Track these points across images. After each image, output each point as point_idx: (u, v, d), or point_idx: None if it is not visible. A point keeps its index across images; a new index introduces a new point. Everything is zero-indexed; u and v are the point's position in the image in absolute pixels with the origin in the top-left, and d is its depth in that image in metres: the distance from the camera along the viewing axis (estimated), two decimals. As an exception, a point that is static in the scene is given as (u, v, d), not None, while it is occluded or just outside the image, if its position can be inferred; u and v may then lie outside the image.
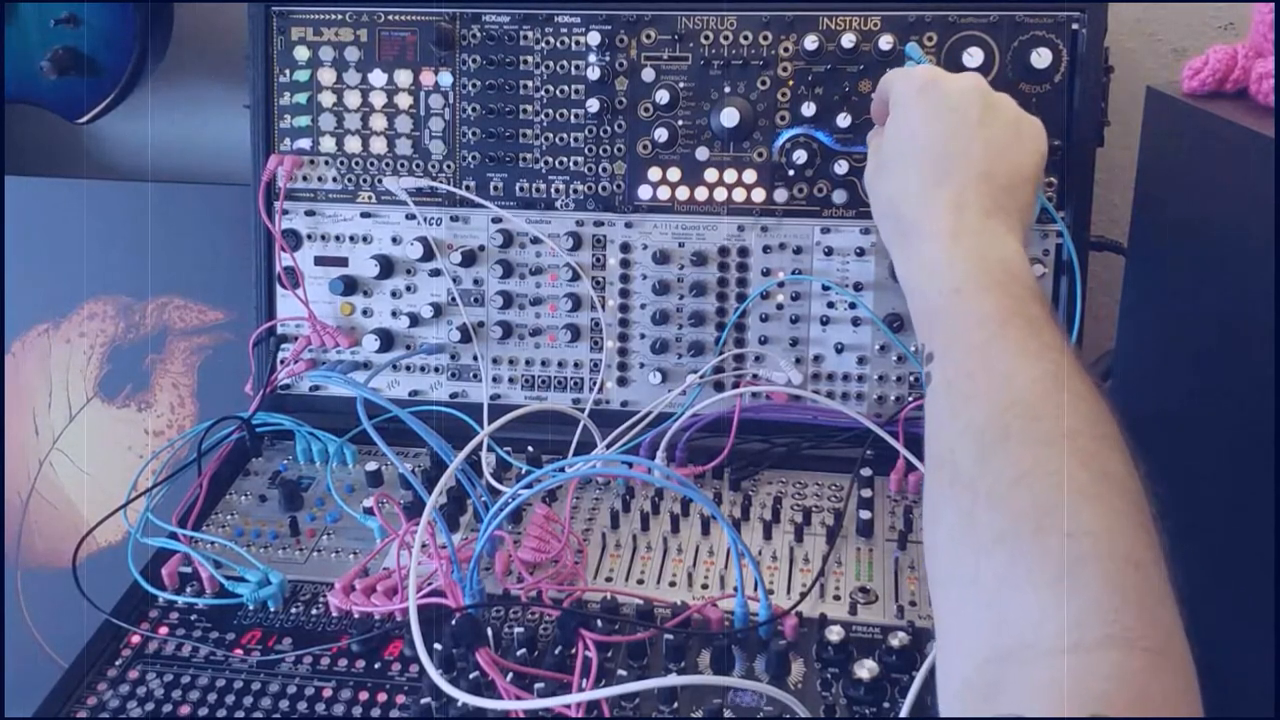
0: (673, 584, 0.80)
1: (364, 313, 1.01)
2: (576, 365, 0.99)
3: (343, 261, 1.01)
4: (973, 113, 0.70)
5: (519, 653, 0.72)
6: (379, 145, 1.00)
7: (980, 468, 0.55)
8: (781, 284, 0.95)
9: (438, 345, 1.00)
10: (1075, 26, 0.89)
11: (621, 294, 0.98)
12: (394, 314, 1.01)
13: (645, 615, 0.74)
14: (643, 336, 0.98)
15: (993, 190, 0.68)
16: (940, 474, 0.58)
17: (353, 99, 0.99)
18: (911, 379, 0.95)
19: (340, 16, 0.98)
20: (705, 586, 0.80)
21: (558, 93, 0.97)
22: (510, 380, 1.00)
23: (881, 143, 0.75)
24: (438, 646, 0.71)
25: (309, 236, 1.01)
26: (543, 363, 1.00)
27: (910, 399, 0.94)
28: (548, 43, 0.96)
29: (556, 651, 0.72)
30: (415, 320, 1.00)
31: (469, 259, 0.98)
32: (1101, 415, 0.55)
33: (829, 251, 0.94)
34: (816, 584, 0.79)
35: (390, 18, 0.98)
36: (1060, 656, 0.46)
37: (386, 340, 1.00)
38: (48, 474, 1.19)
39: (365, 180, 1.00)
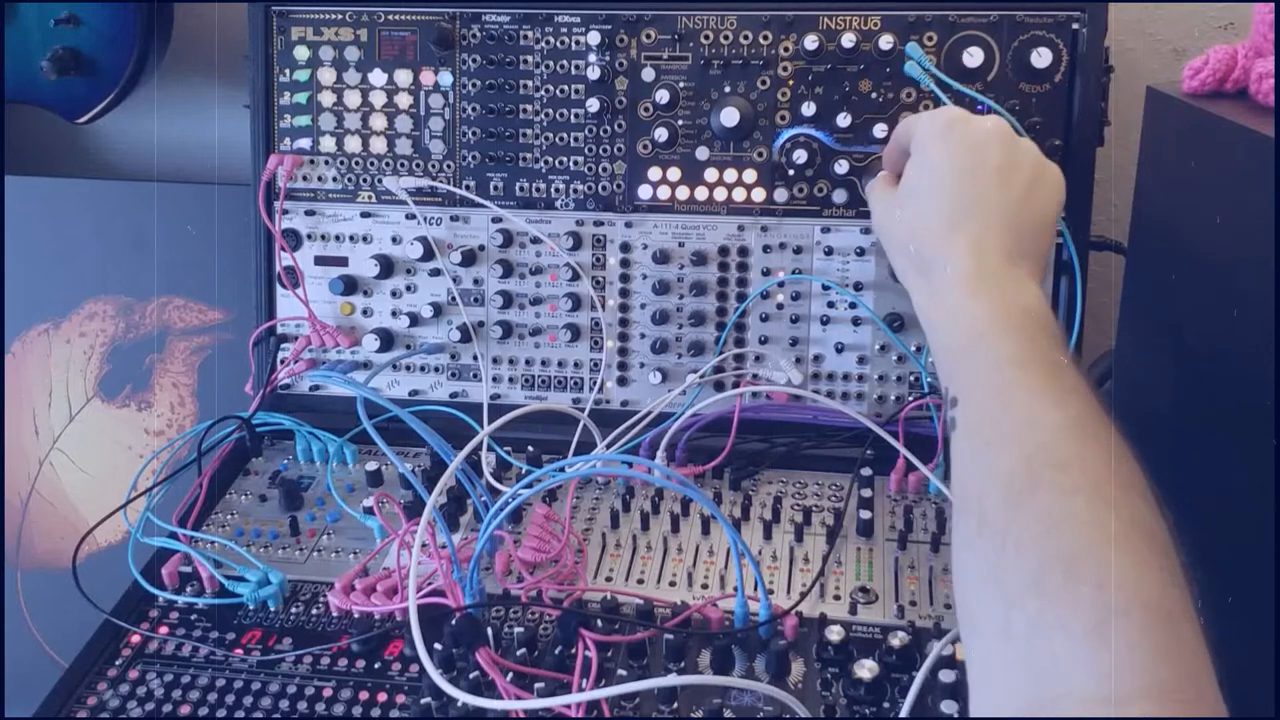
0: (673, 584, 0.80)
1: (364, 312, 1.01)
2: (576, 365, 0.99)
3: (343, 261, 1.01)
4: (995, 156, 0.70)
5: (519, 653, 0.72)
6: (379, 145, 1.00)
7: (1008, 516, 0.55)
8: (781, 284, 0.95)
9: (438, 345, 1.00)
10: (1075, 26, 0.89)
11: (621, 294, 0.98)
12: (394, 314, 1.01)
13: (645, 615, 0.74)
14: (643, 336, 0.98)
15: (1014, 234, 0.68)
16: (968, 520, 0.58)
17: (353, 99, 0.99)
18: (911, 379, 0.95)
19: (340, 16, 0.98)
20: (705, 586, 0.80)
21: (558, 93, 0.97)
22: (510, 380, 1.00)
23: (900, 181, 0.75)
24: (438, 646, 0.71)
25: (309, 236, 1.01)
26: (543, 363, 1.00)
27: (910, 399, 0.94)
28: (548, 43, 0.96)
29: (556, 651, 0.72)
30: (415, 320, 1.00)
31: (469, 259, 0.98)
32: (1124, 459, 0.55)
33: (829, 251, 0.94)
34: (816, 584, 0.79)
35: (390, 18, 0.98)
36: (1095, 707, 0.46)
37: (386, 340, 1.00)
38: (48, 474, 1.19)
39: (365, 180, 1.00)
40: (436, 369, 1.01)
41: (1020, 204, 0.69)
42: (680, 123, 0.95)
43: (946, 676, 0.66)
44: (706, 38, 0.94)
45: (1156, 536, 0.52)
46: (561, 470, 0.84)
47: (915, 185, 0.73)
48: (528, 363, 1.00)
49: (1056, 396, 0.58)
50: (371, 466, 0.92)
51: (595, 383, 0.99)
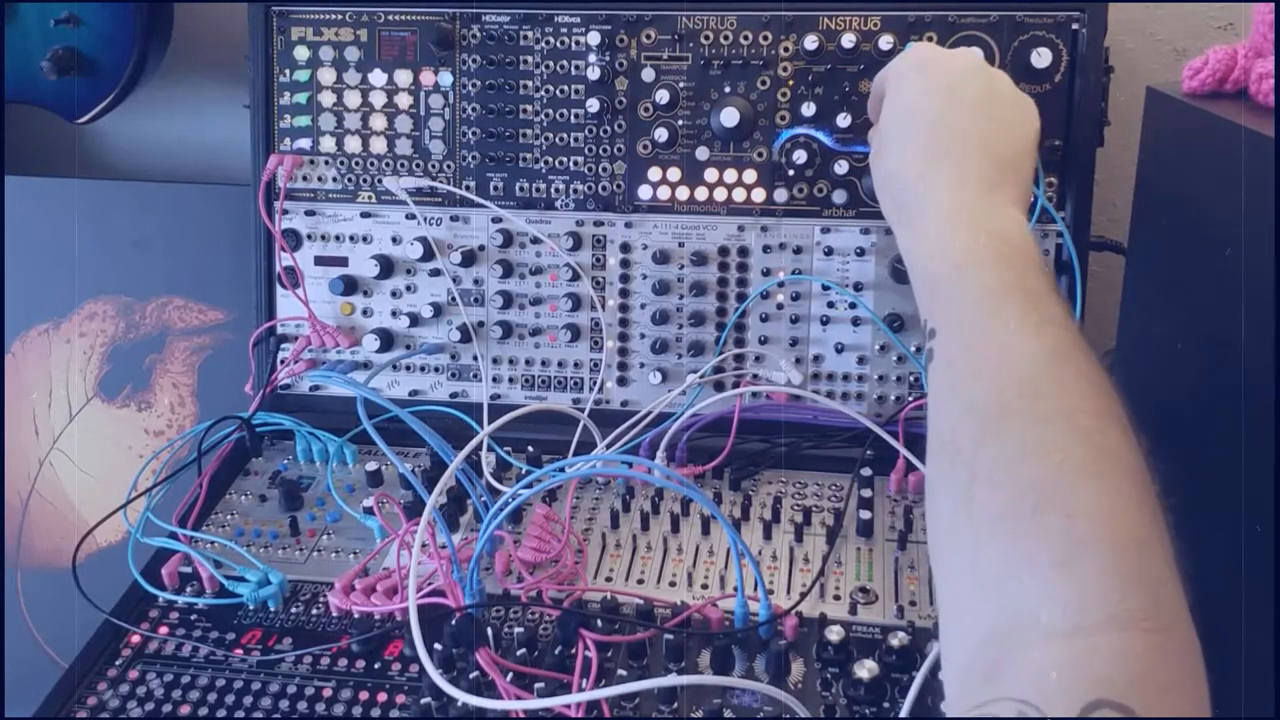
0: (673, 584, 0.80)
1: (364, 313, 1.01)
2: (576, 365, 0.99)
3: (343, 261, 1.01)
4: (970, 88, 0.70)
5: (519, 653, 0.72)
6: (379, 145, 1.00)
7: (979, 447, 0.54)
8: (781, 284, 0.95)
9: (438, 345, 1.00)
10: (1075, 26, 0.89)
11: (621, 294, 0.98)
12: (394, 314, 1.01)
13: (645, 615, 0.74)
14: (643, 336, 0.98)
15: (994, 163, 0.67)
16: (941, 453, 0.58)
17: (353, 99, 0.99)
18: (912, 379, 0.95)
19: (340, 16, 0.98)
20: (705, 586, 0.80)
21: (558, 93, 0.97)
22: (510, 380, 1.00)
23: (880, 121, 0.74)
24: (438, 646, 0.71)
25: (309, 236, 1.01)
26: (543, 363, 1.00)
27: (910, 399, 0.94)
28: (548, 43, 0.96)
29: (556, 651, 0.72)
30: (415, 320, 1.00)
31: (469, 259, 0.98)
32: (1102, 390, 0.55)
33: (829, 251, 0.94)
34: (816, 584, 0.79)
35: (390, 18, 0.98)
36: (1061, 638, 0.45)
37: (386, 340, 1.00)
38: (48, 474, 1.19)
39: (365, 180, 1.00)
40: (436, 369, 1.01)
41: (998, 131, 0.69)
42: (680, 123, 0.95)
43: (946, 676, 0.66)
44: (706, 38, 0.94)
45: (1131, 465, 0.52)
46: (561, 470, 0.84)
47: (891, 127, 0.72)
48: (528, 363, 1.00)
49: (1034, 325, 0.57)
50: (371, 466, 0.92)
51: (595, 383, 0.99)
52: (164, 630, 0.78)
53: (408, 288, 1.00)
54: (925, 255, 0.66)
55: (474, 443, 0.82)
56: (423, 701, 0.69)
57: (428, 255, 0.99)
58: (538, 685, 0.69)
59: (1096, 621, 0.45)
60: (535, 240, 0.98)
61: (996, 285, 0.60)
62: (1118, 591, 0.46)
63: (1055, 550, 0.48)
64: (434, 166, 0.99)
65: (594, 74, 0.95)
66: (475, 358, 1.00)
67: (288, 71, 1.00)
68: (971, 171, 0.67)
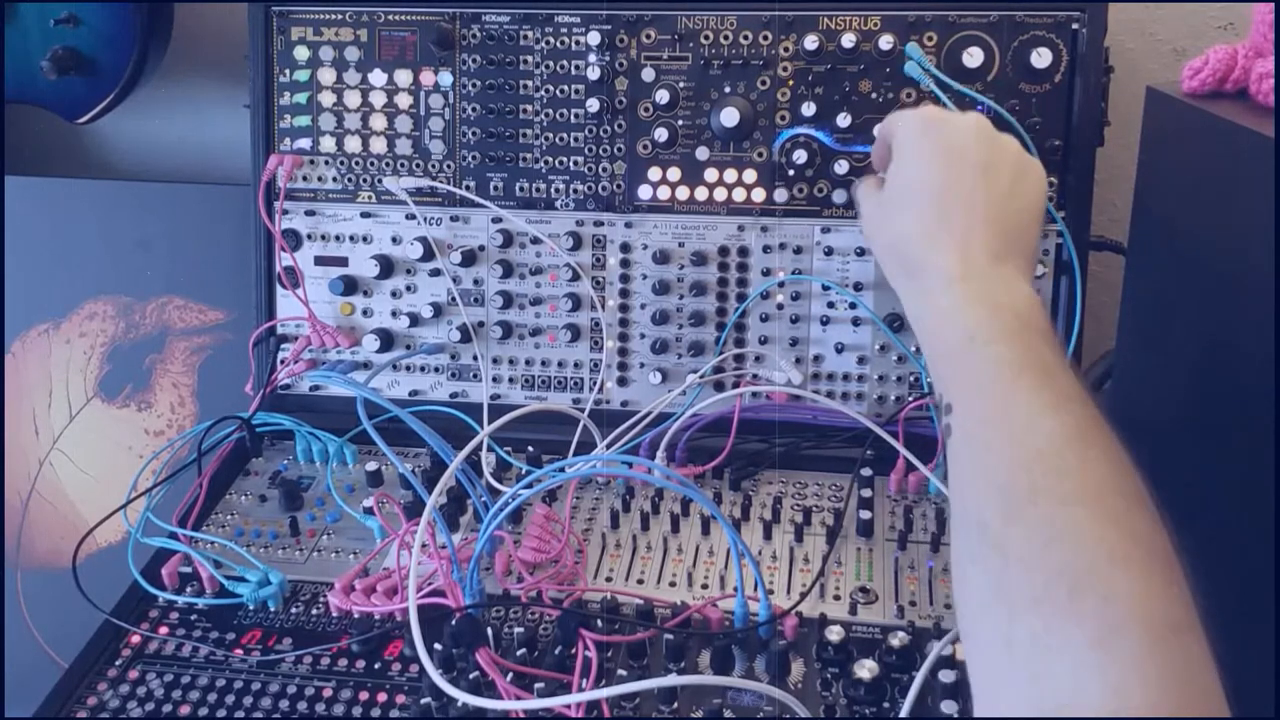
0: (673, 584, 0.80)
1: (364, 313, 1.01)
2: (576, 365, 0.99)
3: (343, 261, 1.01)
4: (976, 155, 0.69)
5: (519, 653, 0.72)
6: (379, 145, 1.00)
7: (1009, 527, 0.54)
8: (781, 284, 0.95)
9: (438, 345, 1.00)
10: (1075, 26, 0.89)
11: (621, 294, 0.98)
12: (394, 314, 1.01)
13: (645, 615, 0.74)
14: (643, 336, 0.98)
15: (1000, 233, 0.67)
16: (967, 530, 0.58)
17: (353, 99, 0.99)
18: (912, 379, 0.95)
19: (340, 16, 0.98)
20: (705, 586, 0.80)
21: (558, 93, 0.97)
22: (510, 380, 1.00)
23: (884, 184, 0.74)
24: (438, 646, 0.71)
25: (309, 236, 1.01)
26: (543, 363, 1.00)
27: (910, 399, 0.94)
28: (548, 43, 0.96)
29: (556, 651, 0.72)
30: (415, 320, 1.00)
31: (469, 259, 0.98)
32: (1125, 469, 0.55)
33: (829, 251, 0.94)
34: (816, 584, 0.79)
35: (390, 18, 0.98)
36: None
37: (386, 340, 1.00)
38: (48, 474, 1.19)
39: (365, 180, 1.00)
40: (436, 369, 1.01)
41: (1004, 201, 0.68)
42: (680, 123, 0.95)
43: (946, 676, 0.66)
44: (706, 38, 0.94)
45: (1159, 550, 0.52)
46: (561, 470, 0.84)
47: (897, 193, 0.72)
48: (528, 363, 1.00)
49: (1052, 402, 0.57)
50: (371, 466, 0.92)
51: (595, 383, 0.99)
52: (164, 630, 0.78)
53: (408, 288, 1.00)
54: (934, 325, 0.65)
55: (474, 443, 0.82)
56: (423, 701, 0.69)
57: (428, 255, 0.99)
58: (538, 685, 0.69)
59: (1136, 706, 0.46)
60: (535, 240, 0.98)
61: (1011, 360, 0.60)
62: (1157, 677, 0.46)
63: (1092, 634, 0.48)
64: (434, 166, 0.99)
65: (594, 74, 0.95)
66: (475, 358, 1.00)
67: (288, 71, 1.00)
68: (978, 241, 0.66)
